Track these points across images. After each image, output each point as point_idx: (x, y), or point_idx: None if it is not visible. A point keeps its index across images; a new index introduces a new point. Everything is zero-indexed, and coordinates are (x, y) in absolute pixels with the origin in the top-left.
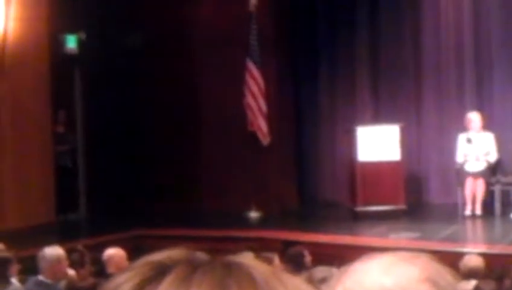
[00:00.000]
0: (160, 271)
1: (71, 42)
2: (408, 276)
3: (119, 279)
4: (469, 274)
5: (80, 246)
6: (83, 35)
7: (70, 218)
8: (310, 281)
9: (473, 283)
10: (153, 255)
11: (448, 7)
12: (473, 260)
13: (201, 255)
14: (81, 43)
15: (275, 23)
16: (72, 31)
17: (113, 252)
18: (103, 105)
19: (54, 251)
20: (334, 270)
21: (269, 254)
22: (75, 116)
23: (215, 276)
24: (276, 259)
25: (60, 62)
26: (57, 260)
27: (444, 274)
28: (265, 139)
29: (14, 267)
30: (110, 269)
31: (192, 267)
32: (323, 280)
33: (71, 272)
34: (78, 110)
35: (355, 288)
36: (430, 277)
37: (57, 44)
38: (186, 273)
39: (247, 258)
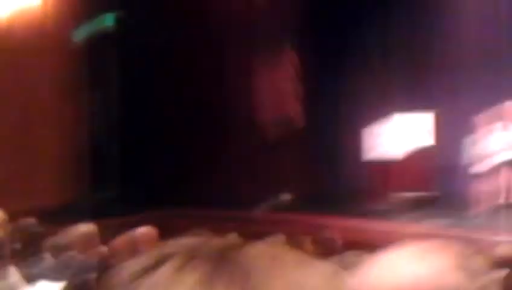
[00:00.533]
0: (161, 260)
1: (109, 20)
2: (440, 264)
3: (123, 266)
4: (501, 263)
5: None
6: (121, 14)
7: (102, 196)
8: (341, 265)
9: (504, 271)
10: (168, 243)
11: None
12: (505, 249)
13: (210, 245)
14: (119, 22)
15: (300, 13)
16: (110, 9)
17: (145, 231)
18: (139, 84)
19: (85, 228)
20: (365, 255)
21: (301, 237)
22: (112, 95)
23: (207, 267)
24: (308, 242)
25: (96, 40)
26: (89, 236)
27: (475, 261)
28: (298, 121)
29: (47, 242)
30: (141, 248)
31: (190, 258)
32: (354, 265)
33: (104, 248)
34: (112, 89)
35: (388, 276)
36: (462, 265)
37: (94, 23)
38: (181, 263)
39: (256, 247)
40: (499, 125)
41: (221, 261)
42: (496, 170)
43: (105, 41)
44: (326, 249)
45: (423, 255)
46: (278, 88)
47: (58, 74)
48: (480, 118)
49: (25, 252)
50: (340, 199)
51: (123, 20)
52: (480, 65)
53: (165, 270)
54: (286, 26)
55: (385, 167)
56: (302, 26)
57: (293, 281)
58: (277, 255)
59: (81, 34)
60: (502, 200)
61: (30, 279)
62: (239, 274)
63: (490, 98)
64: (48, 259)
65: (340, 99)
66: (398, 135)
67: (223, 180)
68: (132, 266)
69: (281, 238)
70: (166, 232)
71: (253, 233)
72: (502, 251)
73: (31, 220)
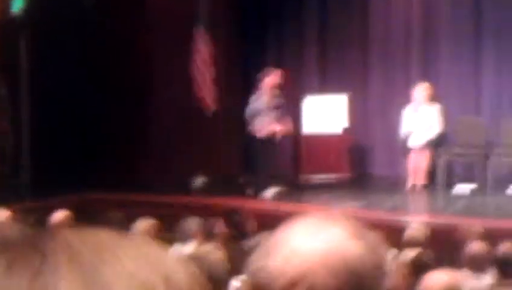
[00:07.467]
0: None
1: (17, 5)
2: (337, 236)
3: None
4: (411, 243)
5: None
6: None
7: (16, 181)
8: (253, 248)
9: (414, 251)
10: None
11: None
12: (415, 230)
13: (17, 233)
14: (27, 7)
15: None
16: None
17: (60, 216)
18: (50, 68)
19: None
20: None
21: (213, 220)
22: (21, 78)
23: (10, 255)
24: (220, 225)
25: (6, 25)
26: (3, 222)
27: (367, 231)
28: (210, 108)
29: None
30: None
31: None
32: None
33: None
34: (23, 74)
35: (291, 256)
36: (357, 234)
37: (3, 6)
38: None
39: (76, 234)
40: (409, 108)
41: (28, 250)
42: (406, 152)
43: (13, 27)
44: (239, 232)
45: (319, 231)
46: (194, 72)
47: None
48: (391, 101)
49: None
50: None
51: (32, 4)
52: (391, 49)
53: None
54: (204, 10)
55: (299, 149)
56: (220, 10)
57: (125, 270)
58: (109, 242)
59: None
60: (411, 183)
61: None
62: (50, 262)
63: (402, 81)
64: None
65: (253, 84)
66: (310, 117)
67: (138, 165)
68: None
69: (196, 221)
70: (81, 216)
71: (168, 217)
72: (413, 231)
73: None
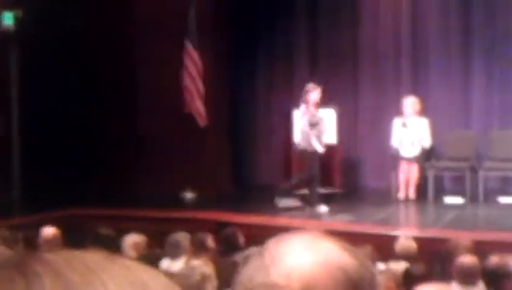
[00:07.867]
0: None
1: (8, 19)
2: (331, 248)
3: None
4: (402, 256)
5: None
6: (20, 13)
7: (3, 196)
8: (243, 262)
9: (403, 264)
10: None
11: None
12: (405, 243)
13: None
14: (18, 21)
15: (214, 4)
16: (8, 8)
17: (48, 231)
18: (39, 83)
19: None
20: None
21: (203, 235)
22: (10, 94)
23: None
24: (210, 239)
25: None
26: None
27: (352, 247)
28: (202, 121)
29: None
30: (45, 248)
31: None
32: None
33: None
34: (13, 88)
35: (291, 270)
36: (347, 247)
37: None
38: None
39: (60, 259)
40: (398, 121)
41: (13, 273)
42: (396, 164)
43: (4, 40)
44: (229, 246)
45: (313, 242)
46: (184, 88)
47: None
48: (381, 114)
49: None
50: (243, 196)
51: (23, 19)
52: (381, 63)
53: None
54: (193, 26)
55: (287, 164)
56: (209, 26)
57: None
58: (95, 264)
59: None
60: (401, 196)
61: None
62: (35, 285)
63: (392, 94)
64: None
65: (242, 99)
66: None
67: (127, 179)
68: None
69: (185, 235)
70: (70, 232)
71: (157, 231)
72: (403, 244)
73: None
